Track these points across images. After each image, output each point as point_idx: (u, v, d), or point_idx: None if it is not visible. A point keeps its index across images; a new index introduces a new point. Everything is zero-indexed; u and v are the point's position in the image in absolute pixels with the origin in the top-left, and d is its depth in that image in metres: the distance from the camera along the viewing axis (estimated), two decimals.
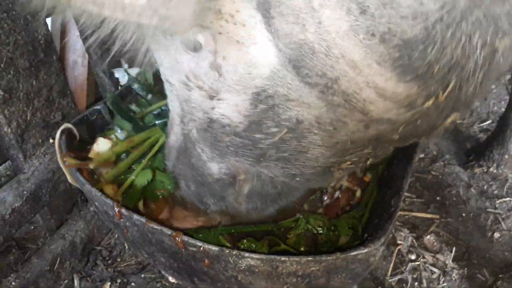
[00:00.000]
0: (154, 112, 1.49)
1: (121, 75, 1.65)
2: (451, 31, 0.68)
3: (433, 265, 1.56)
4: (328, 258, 0.93)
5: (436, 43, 0.68)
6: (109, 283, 1.52)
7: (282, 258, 0.92)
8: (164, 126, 1.34)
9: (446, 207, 1.81)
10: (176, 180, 1.19)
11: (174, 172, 1.18)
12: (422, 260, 1.57)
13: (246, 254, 0.93)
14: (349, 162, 0.99)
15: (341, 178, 1.21)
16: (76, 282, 1.51)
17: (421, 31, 0.67)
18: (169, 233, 0.99)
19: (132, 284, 1.53)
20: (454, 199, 1.84)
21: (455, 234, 1.68)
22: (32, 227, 1.76)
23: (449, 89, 0.78)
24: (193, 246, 0.97)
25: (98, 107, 1.44)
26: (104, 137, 1.41)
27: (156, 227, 1.00)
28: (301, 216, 1.23)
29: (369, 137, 0.89)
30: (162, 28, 0.70)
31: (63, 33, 1.95)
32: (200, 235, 1.10)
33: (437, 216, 1.75)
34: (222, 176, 1.06)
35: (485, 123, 2.28)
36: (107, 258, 1.62)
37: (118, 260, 1.62)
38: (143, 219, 1.02)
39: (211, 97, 0.88)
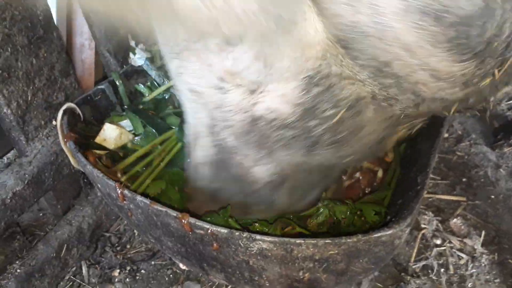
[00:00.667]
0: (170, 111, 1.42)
1: (138, 57, 1.56)
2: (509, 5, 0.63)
3: (460, 250, 1.46)
4: (349, 240, 0.84)
5: (496, 17, 0.64)
6: (118, 270, 1.46)
7: (298, 241, 0.84)
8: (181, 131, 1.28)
9: (474, 188, 1.70)
10: (219, 195, 1.06)
11: (215, 190, 1.05)
12: (448, 245, 1.48)
13: (258, 237, 0.85)
14: (400, 133, 0.98)
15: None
16: (84, 269, 1.46)
17: (480, 6, 0.63)
18: (175, 214, 0.91)
19: (142, 271, 1.47)
20: (482, 180, 1.73)
21: (484, 217, 1.57)
22: (41, 214, 1.72)
23: (506, 66, 0.74)
24: (200, 228, 0.89)
25: (102, 86, 1.37)
26: (112, 122, 1.34)
27: (161, 208, 0.93)
28: (322, 205, 1.13)
29: (423, 112, 0.88)
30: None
31: (70, 15, 1.89)
32: (208, 218, 1.02)
33: (464, 199, 1.64)
34: (272, 177, 0.97)
35: None
36: (116, 244, 1.57)
37: (128, 247, 1.56)
38: (147, 201, 0.95)
39: (252, 92, 0.81)
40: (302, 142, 0.86)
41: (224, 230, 0.86)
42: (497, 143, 1.85)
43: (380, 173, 1.38)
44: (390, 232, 0.85)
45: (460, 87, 0.78)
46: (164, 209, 0.92)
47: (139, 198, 0.96)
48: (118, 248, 1.55)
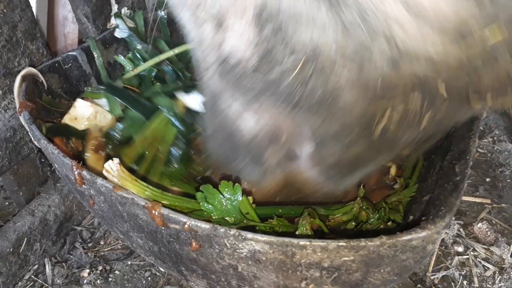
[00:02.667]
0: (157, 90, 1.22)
1: (121, 28, 1.34)
2: None
3: (486, 260, 1.25)
4: (370, 244, 0.63)
5: None
6: (88, 271, 1.25)
7: (302, 242, 0.63)
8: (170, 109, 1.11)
9: (499, 190, 1.49)
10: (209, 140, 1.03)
11: (208, 137, 1.03)
12: (472, 253, 1.27)
13: (249, 235, 0.64)
14: (394, 112, 0.74)
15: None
16: (48, 268, 1.25)
17: None
18: (143, 203, 0.71)
19: (116, 272, 1.26)
20: (508, 180, 1.53)
21: None
22: (7, 203, 1.51)
23: None
24: (175, 222, 0.69)
25: (74, 53, 1.17)
26: (84, 98, 1.14)
27: (125, 195, 0.72)
28: (357, 203, 0.93)
29: (406, 79, 0.66)
30: None
31: None
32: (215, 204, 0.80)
33: (488, 201, 1.44)
34: (259, 132, 0.90)
35: None
36: (88, 240, 1.36)
37: (101, 243, 1.35)
38: (109, 185, 0.74)
39: (218, 26, 0.76)
40: (275, 93, 0.78)
41: (205, 225, 0.66)
42: None
43: (393, 170, 1.18)
44: (423, 234, 0.65)
45: (454, 37, 0.58)
46: (129, 196, 0.72)
47: (99, 181, 0.75)
48: (90, 245, 1.34)
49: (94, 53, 1.21)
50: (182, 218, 0.67)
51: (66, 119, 1.12)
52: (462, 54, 0.60)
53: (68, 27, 1.67)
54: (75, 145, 1.10)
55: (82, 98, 1.13)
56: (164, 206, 0.70)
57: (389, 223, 0.98)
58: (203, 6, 0.76)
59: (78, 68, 1.17)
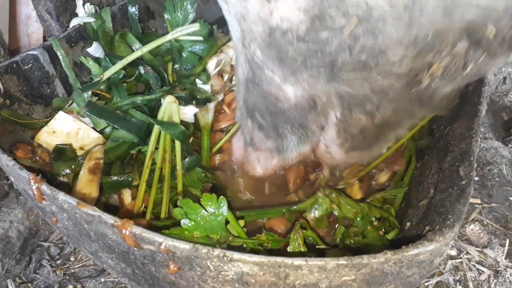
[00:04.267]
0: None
1: (94, 47, 1.22)
2: None
3: (480, 263, 1.20)
4: (373, 261, 0.56)
5: None
6: None
7: (297, 262, 0.55)
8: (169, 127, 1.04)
9: (488, 189, 1.45)
10: (250, 116, 1.03)
11: (247, 108, 1.02)
12: (465, 256, 1.22)
13: (236, 256, 0.56)
14: (440, 65, 0.77)
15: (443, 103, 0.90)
16: None
17: None
18: (112, 222, 0.61)
19: None
20: (497, 179, 1.48)
21: (504, 222, 1.32)
22: None
23: None
24: (149, 242, 0.60)
25: (35, 52, 1.06)
26: (67, 112, 1.04)
27: (91, 212, 0.63)
28: (322, 195, 0.86)
29: (458, 26, 0.70)
30: None
31: None
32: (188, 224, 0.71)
33: (478, 201, 1.39)
34: (299, 99, 0.91)
35: None
36: (57, 257, 1.24)
37: (72, 259, 1.24)
38: (72, 201, 0.64)
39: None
40: (319, 59, 0.79)
41: (184, 246, 0.57)
42: (510, 137, 1.61)
43: (383, 177, 1.12)
44: (431, 247, 0.58)
45: None
46: (96, 213, 0.62)
47: (61, 197, 0.65)
48: (59, 262, 1.23)
49: (57, 53, 1.10)
50: (157, 238, 0.58)
51: (44, 132, 1.02)
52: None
53: (32, 26, 1.55)
54: (42, 156, 1.01)
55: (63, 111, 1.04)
56: (137, 224, 0.61)
57: (375, 223, 0.92)
58: None
59: (40, 69, 1.06)
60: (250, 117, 1.02)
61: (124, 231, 0.60)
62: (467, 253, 1.22)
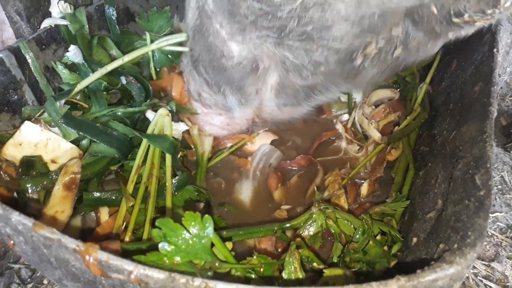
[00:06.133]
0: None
1: (73, 51, 1.12)
2: None
3: (487, 277, 1.12)
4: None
5: None
6: None
7: None
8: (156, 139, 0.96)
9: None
10: (195, 67, 1.04)
11: (191, 56, 1.03)
12: (471, 271, 1.13)
13: (220, 285, 0.47)
14: (374, 46, 0.83)
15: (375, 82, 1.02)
16: None
17: None
18: (73, 246, 0.52)
19: None
20: (499, 186, 1.41)
21: (510, 233, 1.25)
22: None
23: None
24: (117, 271, 0.50)
25: (0, 55, 0.96)
26: (34, 122, 0.94)
27: (50, 235, 0.53)
28: (316, 210, 0.78)
29: (402, 9, 0.77)
30: None
31: None
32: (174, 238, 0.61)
33: None
34: (242, 60, 0.93)
35: None
36: (28, 280, 1.13)
37: (45, 282, 1.13)
38: (28, 222, 0.55)
39: None
40: (269, 22, 0.80)
41: (158, 275, 0.48)
42: (510, 144, 1.54)
43: (365, 189, 1.04)
44: (451, 271, 0.49)
45: None
46: (55, 236, 0.53)
47: (15, 217, 0.56)
48: (30, 286, 1.12)
49: (26, 56, 1.00)
50: (127, 266, 0.49)
51: (9, 145, 0.92)
52: None
53: (7, 32, 1.45)
54: (7, 171, 0.91)
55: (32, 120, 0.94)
56: (104, 248, 0.51)
57: (378, 237, 0.84)
58: None
59: (5, 74, 0.96)
60: (195, 68, 1.03)
61: (87, 257, 0.51)
62: (474, 267, 1.14)
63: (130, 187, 0.85)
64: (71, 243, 0.52)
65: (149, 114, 1.01)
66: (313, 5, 0.74)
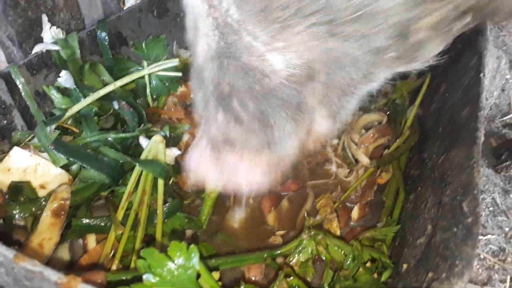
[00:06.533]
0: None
1: (64, 77, 1.12)
2: None
3: None
4: None
5: None
6: None
7: None
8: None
9: (482, 219, 1.37)
10: (224, 105, 0.75)
11: (220, 94, 0.75)
12: None
13: None
14: (431, 18, 0.67)
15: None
16: None
17: None
18: (55, 279, 0.51)
19: None
20: (491, 208, 1.42)
21: (502, 256, 1.24)
22: None
23: None
24: None
25: None
26: (23, 147, 0.94)
27: (31, 268, 0.52)
28: (307, 236, 0.77)
29: None
30: None
31: None
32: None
33: None
34: (292, 70, 0.70)
35: (507, 117, 1.88)
36: None
37: None
38: (9, 253, 0.54)
39: None
40: (316, 14, 0.63)
41: None
42: (502, 165, 1.55)
43: (355, 213, 1.04)
44: None
45: None
46: (37, 268, 0.52)
47: None
48: None
49: (17, 81, 1.00)
50: None
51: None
52: None
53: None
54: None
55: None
56: (87, 280, 0.50)
57: (368, 264, 0.83)
58: None
59: None
60: (223, 107, 0.76)
61: None
62: None
63: (120, 214, 0.84)
64: (53, 275, 0.51)
65: (142, 140, 1.01)
66: None
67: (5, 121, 1.00)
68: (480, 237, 1.30)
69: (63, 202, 0.88)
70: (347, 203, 1.12)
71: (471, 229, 0.57)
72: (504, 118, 1.88)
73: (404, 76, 1.43)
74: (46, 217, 0.86)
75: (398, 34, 0.68)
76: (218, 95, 0.75)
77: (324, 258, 0.83)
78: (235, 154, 0.78)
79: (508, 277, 1.14)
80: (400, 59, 0.73)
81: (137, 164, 0.94)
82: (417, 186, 0.95)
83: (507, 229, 1.34)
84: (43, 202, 0.89)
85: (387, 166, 1.12)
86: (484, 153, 1.66)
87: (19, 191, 0.91)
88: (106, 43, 1.20)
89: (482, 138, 0.76)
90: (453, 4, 0.66)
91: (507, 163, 1.54)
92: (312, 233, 0.84)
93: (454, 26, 0.70)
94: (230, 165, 0.78)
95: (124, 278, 0.65)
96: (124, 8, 1.41)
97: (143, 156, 0.97)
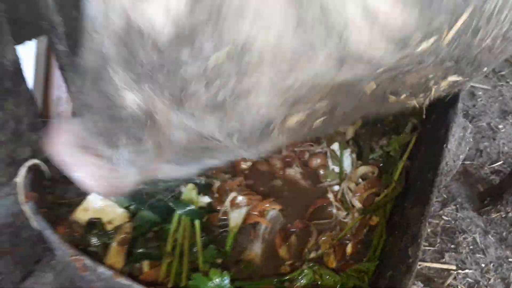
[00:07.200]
0: None
1: None
2: None
3: None
4: None
5: None
6: None
7: None
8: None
9: (462, 256, 1.62)
10: (81, 112, 0.89)
11: (79, 101, 0.88)
12: None
13: None
14: (296, 119, 0.75)
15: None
16: None
17: None
18: None
19: None
20: (471, 247, 1.66)
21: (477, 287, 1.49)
22: None
23: (458, 25, 0.60)
24: None
25: None
26: None
27: (124, 282, 0.82)
28: (307, 267, 1.06)
29: (336, 83, 0.68)
30: None
31: (48, 67, 1.85)
32: None
33: (454, 267, 1.56)
34: (135, 110, 0.79)
35: (496, 164, 2.13)
36: None
37: None
38: (109, 272, 0.84)
39: None
40: (168, 79, 0.70)
41: None
42: (485, 209, 1.80)
43: (349, 249, 1.31)
44: None
45: (396, 45, 0.63)
46: (128, 282, 0.82)
47: (101, 269, 0.86)
48: None
49: None
50: None
51: (79, 210, 1.24)
52: (398, 59, 0.66)
53: (62, 106, 1.81)
54: (77, 230, 1.21)
55: None
56: None
57: None
58: None
59: None
60: (86, 115, 0.87)
61: None
62: None
63: (169, 247, 1.15)
64: (138, 287, 0.81)
65: (182, 188, 1.32)
66: (229, 71, 0.64)
67: None
68: (459, 271, 1.55)
69: (126, 235, 1.19)
70: (345, 241, 1.39)
71: (411, 267, 0.85)
72: (492, 165, 2.13)
73: (398, 132, 1.71)
74: (114, 246, 1.17)
75: (255, 126, 0.75)
76: (80, 102, 0.86)
77: (319, 284, 1.11)
78: (86, 155, 0.87)
79: None
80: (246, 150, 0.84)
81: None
82: (395, 231, 1.22)
83: (483, 265, 1.58)
84: (111, 235, 1.21)
85: (377, 211, 1.39)
86: (471, 197, 1.92)
87: (93, 226, 1.22)
88: None
89: (434, 199, 1.04)
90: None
91: (489, 207, 1.78)
92: (311, 264, 1.12)
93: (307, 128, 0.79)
94: (80, 162, 0.89)
95: None
96: None
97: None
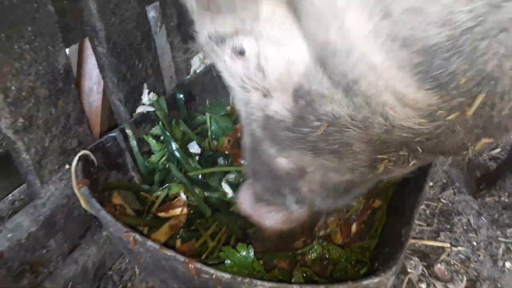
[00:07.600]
0: None
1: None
2: (486, 42, 0.64)
3: None
4: (340, 287, 0.94)
5: (462, 52, 0.65)
6: None
7: (295, 286, 0.94)
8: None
9: (457, 235, 1.80)
10: (254, 176, 1.21)
11: (250, 169, 1.21)
12: None
13: (259, 282, 0.95)
14: (388, 161, 0.98)
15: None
16: None
17: (446, 39, 0.64)
18: (182, 259, 1.01)
19: None
20: (465, 227, 1.84)
21: (467, 263, 1.67)
22: (45, 251, 1.78)
23: (476, 104, 0.74)
24: (205, 273, 0.99)
25: (114, 134, 1.48)
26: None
27: (169, 253, 1.02)
28: (317, 243, 1.25)
29: (397, 140, 0.89)
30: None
31: (80, 61, 2.03)
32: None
33: (448, 245, 1.74)
34: (290, 170, 1.07)
35: (494, 151, 2.28)
36: (118, 283, 1.63)
37: (129, 285, 1.63)
38: (156, 246, 1.04)
39: (265, 95, 0.95)
40: (304, 144, 0.97)
41: (227, 275, 0.96)
42: (480, 193, 1.96)
43: (354, 228, 1.50)
44: (376, 280, 0.95)
45: (427, 118, 0.78)
46: (172, 253, 1.02)
47: (149, 243, 1.05)
48: (120, 287, 1.62)
49: (128, 133, 1.52)
50: (211, 270, 0.97)
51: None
52: (430, 126, 0.80)
53: (93, 96, 2.00)
54: (120, 211, 1.41)
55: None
56: (198, 261, 1.00)
57: (353, 263, 1.30)
58: (252, 81, 0.95)
59: (116, 146, 1.48)
60: (256, 179, 1.18)
61: (190, 265, 0.99)
62: (434, 286, 1.57)
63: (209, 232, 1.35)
64: (181, 258, 1.01)
65: (224, 185, 1.54)
66: (333, 131, 0.89)
67: (120, 160, 1.52)
68: (453, 248, 1.73)
69: (179, 222, 1.39)
70: (350, 221, 1.58)
71: (403, 244, 1.03)
72: (491, 152, 2.28)
73: None
74: (165, 227, 1.37)
75: (365, 164, 0.98)
76: (252, 172, 1.19)
77: (327, 256, 1.30)
78: (267, 205, 1.21)
79: (464, 278, 1.57)
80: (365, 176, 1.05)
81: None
82: (393, 214, 1.40)
83: (475, 243, 1.76)
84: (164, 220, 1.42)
85: (379, 195, 1.57)
86: (468, 182, 2.08)
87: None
88: (183, 102, 1.71)
89: (427, 188, 1.21)
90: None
91: (484, 192, 1.95)
92: (320, 241, 1.31)
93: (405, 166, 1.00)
94: (263, 213, 1.22)
95: (214, 263, 1.14)
96: (191, 70, 1.93)
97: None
